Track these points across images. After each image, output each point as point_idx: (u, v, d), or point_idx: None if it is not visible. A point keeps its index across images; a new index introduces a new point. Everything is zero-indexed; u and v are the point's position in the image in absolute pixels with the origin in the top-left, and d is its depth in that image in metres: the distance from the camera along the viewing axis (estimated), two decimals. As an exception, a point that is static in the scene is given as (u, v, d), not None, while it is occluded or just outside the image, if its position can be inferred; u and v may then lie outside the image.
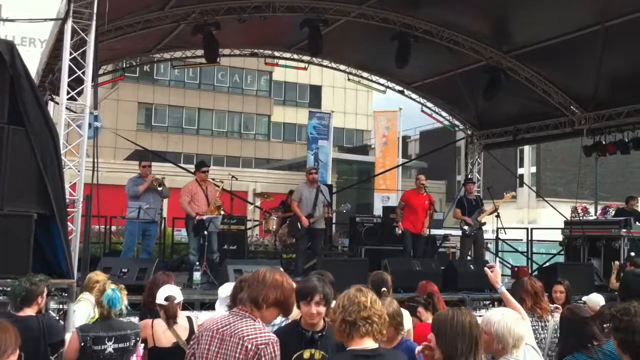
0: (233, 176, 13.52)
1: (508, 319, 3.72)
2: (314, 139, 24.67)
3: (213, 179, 11.46)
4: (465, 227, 12.44)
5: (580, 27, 11.82)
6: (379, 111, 26.64)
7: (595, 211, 23.64)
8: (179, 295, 5.29)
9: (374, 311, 3.30)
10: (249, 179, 28.00)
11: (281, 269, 3.66)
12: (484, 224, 12.82)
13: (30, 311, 5.21)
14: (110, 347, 4.81)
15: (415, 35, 12.96)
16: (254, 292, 3.38)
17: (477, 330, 3.32)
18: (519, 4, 11.86)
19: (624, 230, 12.71)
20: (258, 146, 46.18)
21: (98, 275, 6.49)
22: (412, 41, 12.87)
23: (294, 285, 3.64)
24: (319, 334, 4.01)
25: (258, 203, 18.25)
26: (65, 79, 8.20)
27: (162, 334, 5.09)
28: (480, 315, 4.29)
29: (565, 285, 7.06)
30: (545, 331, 5.08)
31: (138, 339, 5.00)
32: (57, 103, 9.22)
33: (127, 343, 4.91)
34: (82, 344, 4.77)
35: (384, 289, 5.50)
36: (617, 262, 10.40)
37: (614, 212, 15.53)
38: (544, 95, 14.29)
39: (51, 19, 9.20)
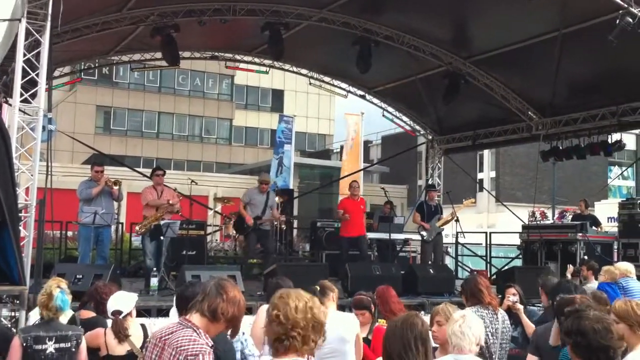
0: (193, 180, 13.36)
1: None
2: (281, 143, 24.32)
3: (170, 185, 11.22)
4: (423, 233, 12.50)
5: (538, 33, 12.00)
6: (349, 114, 26.47)
7: (553, 215, 24.04)
8: (127, 306, 5.16)
9: (292, 324, 2.86)
10: (210, 183, 27.68)
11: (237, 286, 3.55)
12: (442, 230, 12.92)
13: None
14: (50, 346, 4.84)
15: (377, 40, 13.02)
16: (213, 304, 3.30)
17: (427, 335, 3.31)
18: (478, 10, 11.98)
19: (580, 234, 12.95)
20: (219, 150, 45.84)
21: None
22: (373, 46, 12.93)
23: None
24: None
25: (218, 208, 18.06)
26: (18, 81, 7.97)
27: (115, 342, 5.00)
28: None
29: (517, 288, 6.83)
30: (497, 322, 5.14)
31: (80, 340, 4.99)
32: (11, 105, 8.97)
33: (68, 343, 4.92)
34: (24, 344, 4.79)
35: (314, 286, 5.37)
36: (571, 266, 10.52)
37: (571, 217, 15.80)
38: (502, 100, 14.47)
39: (5, 20, 8.95)
